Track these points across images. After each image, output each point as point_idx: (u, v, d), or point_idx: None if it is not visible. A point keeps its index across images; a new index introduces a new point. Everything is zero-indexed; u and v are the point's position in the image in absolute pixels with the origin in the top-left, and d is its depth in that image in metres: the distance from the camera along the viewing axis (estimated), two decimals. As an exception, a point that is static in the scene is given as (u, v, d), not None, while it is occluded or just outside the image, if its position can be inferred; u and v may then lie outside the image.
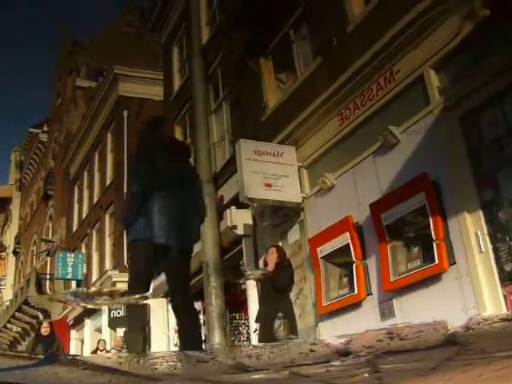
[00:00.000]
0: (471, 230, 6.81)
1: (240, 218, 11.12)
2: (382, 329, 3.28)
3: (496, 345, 2.44)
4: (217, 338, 10.50)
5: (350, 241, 8.47)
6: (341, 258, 8.85)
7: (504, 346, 2.31)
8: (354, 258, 8.42)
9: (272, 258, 7.72)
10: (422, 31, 7.64)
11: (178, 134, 16.11)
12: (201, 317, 13.43)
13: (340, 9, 9.37)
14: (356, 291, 8.33)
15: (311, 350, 2.78)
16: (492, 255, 6.61)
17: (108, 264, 21.24)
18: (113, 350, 14.08)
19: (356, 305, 8.37)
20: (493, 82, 6.69)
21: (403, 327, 3.19)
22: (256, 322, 8.19)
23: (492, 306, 6.48)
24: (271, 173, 9.60)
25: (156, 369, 2.30)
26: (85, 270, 23.67)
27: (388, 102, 8.28)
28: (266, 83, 11.50)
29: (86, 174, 26.41)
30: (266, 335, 7.59)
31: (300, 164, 9.98)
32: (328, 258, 9.01)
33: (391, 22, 7.97)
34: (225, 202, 11.90)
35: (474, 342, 2.66)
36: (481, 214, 6.78)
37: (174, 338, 14.86)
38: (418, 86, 7.83)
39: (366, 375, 2.17)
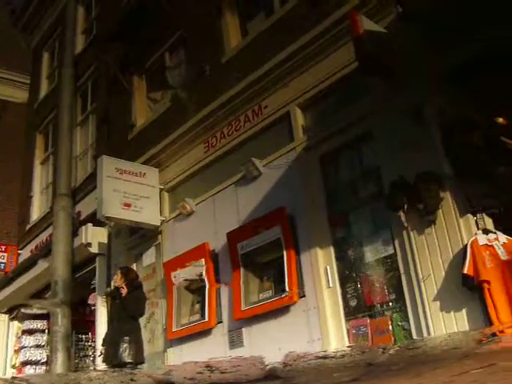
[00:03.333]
0: (321, 266, 7.05)
1: (96, 236, 10.77)
2: (200, 362, 3.30)
3: (316, 379, 2.52)
4: (59, 359, 10.07)
5: (204, 268, 8.46)
6: (194, 284, 8.81)
7: (324, 381, 2.39)
8: (207, 286, 8.42)
9: (116, 279, 7.66)
10: (292, 71, 7.92)
11: (40, 143, 15.44)
12: (44, 337, 12.82)
13: (217, 39, 9.50)
14: (207, 318, 8.30)
15: (132, 380, 2.73)
16: (339, 291, 6.89)
17: None
18: None
19: (206, 332, 8.34)
20: (352, 127, 7.05)
21: (221, 361, 3.23)
22: (102, 345, 7.96)
23: (336, 339, 6.71)
24: (132, 193, 9.41)
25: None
26: None
27: (254, 135, 8.45)
28: (136, 101, 11.32)
29: None
30: (111, 359, 7.40)
31: (162, 187, 9.88)
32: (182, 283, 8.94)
33: (264, 59, 8.20)
34: (81, 218, 11.50)
35: (294, 377, 2.74)
36: (332, 250, 7.06)
37: (13, 358, 13.92)
38: (284, 122, 8.07)
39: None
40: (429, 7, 5.68)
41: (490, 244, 5.64)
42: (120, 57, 11.60)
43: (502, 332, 5.17)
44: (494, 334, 5.13)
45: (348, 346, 6.12)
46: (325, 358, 3.16)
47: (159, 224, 9.68)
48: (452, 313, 5.77)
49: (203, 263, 8.49)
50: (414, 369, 2.80)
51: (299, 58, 7.78)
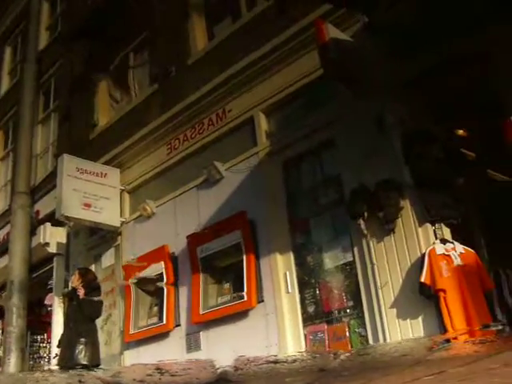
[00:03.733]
0: (281, 271, 7.07)
1: (54, 236, 10.60)
2: (149, 364, 3.28)
3: (270, 384, 2.53)
4: (13, 360, 9.90)
5: (164, 270, 8.41)
6: (153, 287, 8.74)
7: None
8: (165, 288, 8.36)
9: (74, 280, 7.55)
10: (258, 76, 7.94)
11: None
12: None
13: (183, 40, 9.46)
14: (165, 321, 8.26)
15: (80, 381, 2.70)
16: (298, 296, 6.92)
17: None
18: None
19: (163, 335, 8.29)
20: (315, 134, 7.10)
21: (171, 363, 3.23)
22: (58, 346, 7.84)
23: (293, 344, 6.73)
24: (92, 193, 9.30)
25: None
26: None
27: (217, 138, 8.43)
28: (99, 101, 11.19)
29: None
30: (66, 361, 7.29)
31: (123, 188, 9.79)
32: (140, 285, 8.86)
33: (230, 63, 8.20)
34: (40, 217, 11.31)
35: (246, 381, 2.74)
36: (292, 256, 7.09)
37: None
38: (247, 127, 8.07)
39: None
40: (393, 18, 5.76)
41: (447, 254, 5.72)
42: (85, 55, 11.47)
43: (455, 339, 5.26)
44: (447, 341, 5.21)
45: (299, 351, 6.15)
46: (276, 362, 3.17)
47: (119, 225, 9.58)
48: (408, 320, 5.84)
49: (162, 266, 8.43)
50: (365, 375, 2.83)
51: (265, 63, 7.80)
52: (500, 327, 5.58)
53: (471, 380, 2.75)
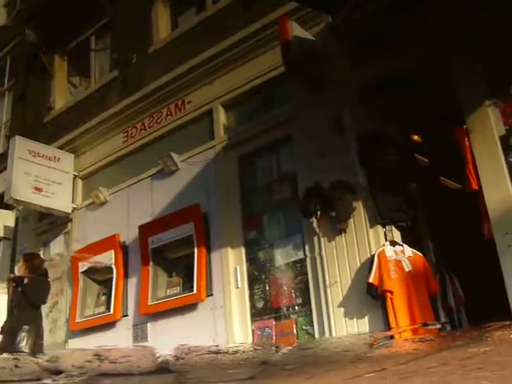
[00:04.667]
0: (231, 266, 7.08)
1: (2, 219, 10.35)
2: (89, 349, 3.24)
3: (213, 375, 2.52)
4: (-51, 348, 9.59)
5: (113, 259, 8.33)
6: (101, 276, 8.66)
7: (221, 377, 2.39)
8: (114, 278, 8.28)
9: (19, 268, 7.39)
10: (219, 69, 7.93)
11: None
12: None
13: (146, 28, 9.37)
14: (112, 311, 8.19)
15: (16, 366, 2.64)
16: (247, 291, 6.95)
17: None
18: None
19: (110, 325, 8.22)
20: (273, 131, 7.12)
21: (111, 350, 3.19)
22: (0, 333, 7.64)
23: (241, 338, 6.76)
24: (44, 177, 9.14)
25: None
26: None
27: (175, 129, 8.38)
28: (56, 83, 11.00)
29: None
30: (8, 347, 7.10)
31: (76, 173, 9.65)
32: (89, 273, 8.76)
33: (192, 54, 8.17)
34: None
35: (188, 371, 2.73)
36: (243, 251, 7.10)
37: None
38: (206, 119, 8.06)
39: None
40: (356, 21, 5.81)
41: (396, 256, 5.80)
42: (43, 35, 11.20)
43: (394, 337, 5.36)
44: (392, 337, 5.30)
45: (241, 343, 6.18)
46: (217, 352, 3.17)
47: (70, 211, 9.44)
48: (355, 319, 5.93)
49: (112, 255, 8.34)
50: (307, 370, 2.85)
51: (227, 57, 7.80)
52: (439, 326, 5.72)
53: (411, 378, 2.81)
